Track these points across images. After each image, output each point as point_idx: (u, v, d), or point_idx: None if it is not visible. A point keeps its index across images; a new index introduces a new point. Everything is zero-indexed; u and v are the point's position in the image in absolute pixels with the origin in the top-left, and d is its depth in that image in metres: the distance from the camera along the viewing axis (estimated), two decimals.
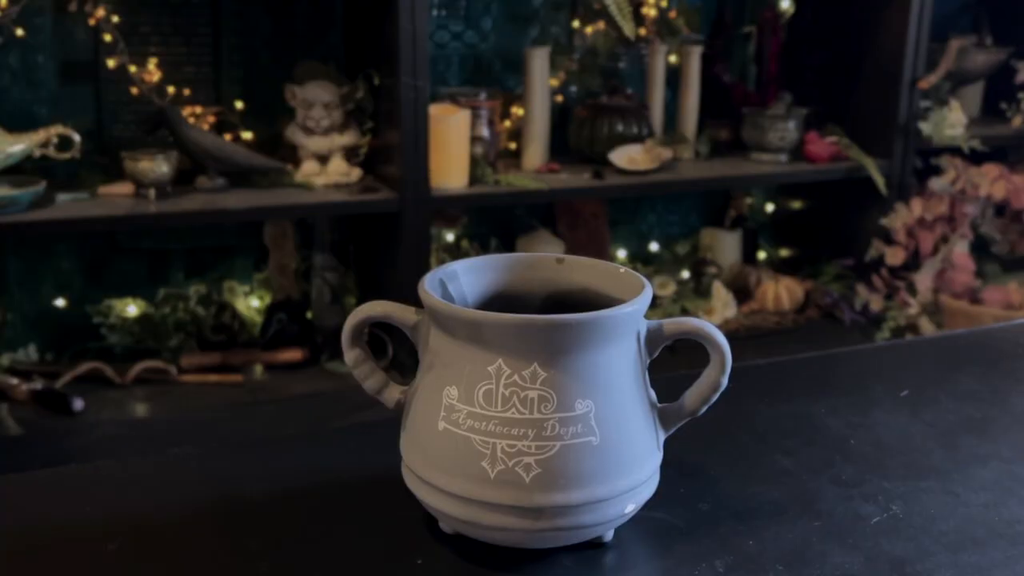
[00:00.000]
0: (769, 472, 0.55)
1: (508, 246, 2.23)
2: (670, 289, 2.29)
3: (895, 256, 2.19)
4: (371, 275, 2.05)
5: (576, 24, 2.22)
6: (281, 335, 1.97)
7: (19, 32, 1.74)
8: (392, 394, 0.50)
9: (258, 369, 1.93)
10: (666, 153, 2.11)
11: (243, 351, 1.94)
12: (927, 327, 2.12)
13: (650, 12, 2.19)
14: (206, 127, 1.87)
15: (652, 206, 2.46)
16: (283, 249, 2.04)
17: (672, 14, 2.24)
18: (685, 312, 2.25)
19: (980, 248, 2.35)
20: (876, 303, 2.21)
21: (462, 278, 0.51)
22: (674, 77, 2.27)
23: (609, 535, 0.48)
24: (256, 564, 0.47)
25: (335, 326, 1.97)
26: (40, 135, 1.69)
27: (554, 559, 0.47)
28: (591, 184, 2.01)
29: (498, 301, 0.52)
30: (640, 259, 2.44)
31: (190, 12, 1.91)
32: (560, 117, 2.21)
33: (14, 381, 1.74)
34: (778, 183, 2.49)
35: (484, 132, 1.96)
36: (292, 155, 1.90)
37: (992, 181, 2.16)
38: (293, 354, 1.94)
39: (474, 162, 1.92)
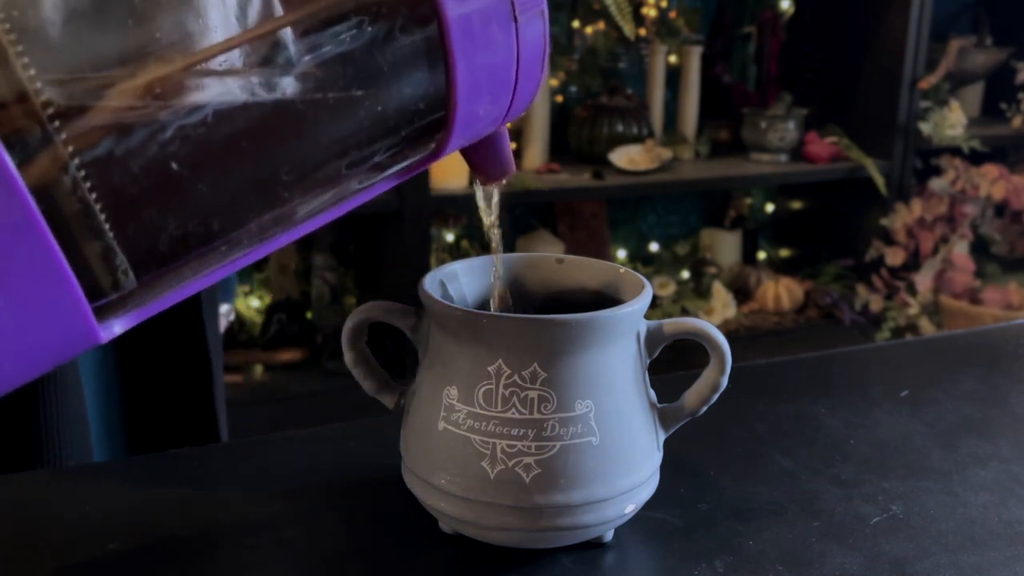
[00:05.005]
0: (769, 472, 0.55)
1: (508, 246, 2.23)
2: (670, 289, 2.30)
3: (895, 256, 2.19)
4: (371, 275, 2.05)
5: (576, 24, 2.22)
6: (281, 335, 1.97)
7: None
8: (392, 394, 0.50)
9: (258, 369, 1.93)
10: (666, 153, 2.11)
11: (243, 351, 1.94)
12: (927, 327, 2.13)
13: (650, 12, 2.19)
14: None
15: (652, 206, 2.46)
16: (283, 249, 2.04)
17: (672, 14, 2.24)
18: (685, 312, 2.25)
19: (980, 248, 2.35)
20: (876, 303, 2.21)
21: (462, 278, 0.51)
22: (674, 77, 2.27)
23: (609, 535, 0.48)
24: (256, 563, 0.47)
25: (335, 326, 1.97)
26: None
27: (554, 559, 0.47)
28: (591, 184, 2.01)
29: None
30: (640, 259, 2.44)
31: None
32: (560, 117, 2.21)
33: None
34: (778, 183, 2.49)
35: None
36: None
37: (992, 181, 2.16)
38: (293, 354, 1.94)
39: None
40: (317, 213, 0.34)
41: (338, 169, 0.34)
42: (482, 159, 0.42)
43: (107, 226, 0.27)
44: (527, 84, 0.38)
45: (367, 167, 0.35)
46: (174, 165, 0.28)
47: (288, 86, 0.31)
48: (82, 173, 0.26)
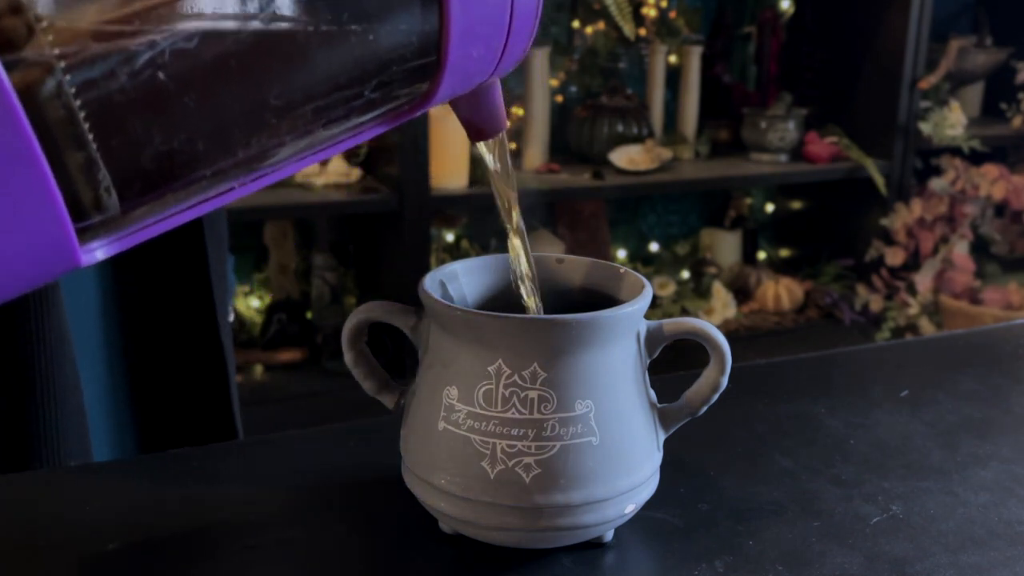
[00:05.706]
0: (769, 472, 0.55)
1: (507, 246, 2.23)
2: (670, 289, 2.30)
3: (895, 256, 2.19)
4: (371, 275, 2.05)
5: (576, 24, 2.22)
6: (281, 335, 1.97)
7: None
8: (392, 394, 0.50)
9: (258, 369, 1.93)
10: (666, 153, 2.11)
11: (243, 351, 1.94)
12: (927, 327, 2.13)
13: (650, 12, 2.19)
14: None
15: (652, 206, 2.47)
16: (283, 249, 2.04)
17: (672, 14, 2.24)
18: (685, 312, 2.25)
19: (980, 248, 2.35)
20: (876, 303, 2.21)
21: (462, 278, 0.51)
22: (674, 77, 2.27)
23: (609, 535, 0.48)
24: (256, 563, 0.47)
25: (335, 326, 1.97)
26: None
27: (554, 559, 0.47)
28: (591, 184, 2.01)
29: (498, 301, 0.52)
30: (640, 259, 2.44)
31: None
32: (560, 117, 2.21)
33: None
34: (778, 183, 2.50)
35: None
36: None
37: (992, 181, 2.16)
38: (293, 354, 1.94)
39: (474, 162, 1.92)
40: (307, 148, 0.34)
41: (328, 102, 0.34)
42: (474, 113, 0.42)
43: (91, 136, 0.27)
44: (520, 32, 0.38)
45: (358, 103, 0.35)
46: (160, 76, 0.28)
47: (278, 14, 0.32)
48: (67, 78, 0.26)
